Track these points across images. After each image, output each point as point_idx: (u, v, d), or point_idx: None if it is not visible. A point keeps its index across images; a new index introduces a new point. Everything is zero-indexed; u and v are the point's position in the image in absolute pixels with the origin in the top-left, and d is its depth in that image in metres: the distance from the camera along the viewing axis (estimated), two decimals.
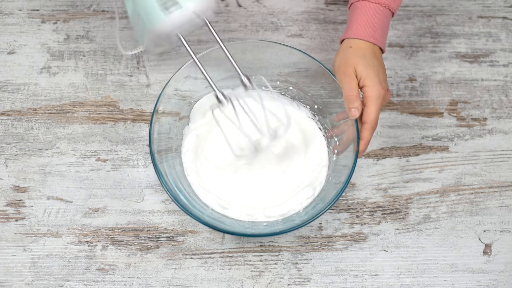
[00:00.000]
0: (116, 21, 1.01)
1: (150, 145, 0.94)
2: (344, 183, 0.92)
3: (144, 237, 1.00)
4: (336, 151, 1.01)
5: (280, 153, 1.02)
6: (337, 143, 1.01)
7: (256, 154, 0.97)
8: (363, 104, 0.94)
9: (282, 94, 1.06)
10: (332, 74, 0.98)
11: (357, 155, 0.93)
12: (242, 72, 0.93)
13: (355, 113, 0.93)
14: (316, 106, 1.04)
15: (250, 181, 1.00)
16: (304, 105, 1.05)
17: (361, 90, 0.94)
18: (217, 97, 0.92)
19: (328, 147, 1.03)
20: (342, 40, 0.98)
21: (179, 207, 0.91)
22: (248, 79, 0.93)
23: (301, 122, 1.04)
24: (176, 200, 0.91)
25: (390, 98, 0.99)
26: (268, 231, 0.94)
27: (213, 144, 1.03)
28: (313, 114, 1.05)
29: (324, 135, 1.04)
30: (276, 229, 0.94)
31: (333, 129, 1.02)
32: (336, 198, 0.91)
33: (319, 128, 1.04)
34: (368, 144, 0.94)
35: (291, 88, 1.05)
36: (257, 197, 0.99)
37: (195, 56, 0.92)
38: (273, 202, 0.99)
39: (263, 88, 1.06)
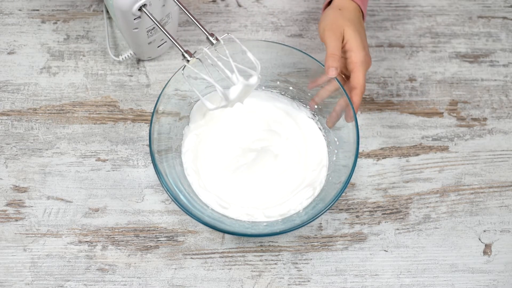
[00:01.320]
0: (106, 25, 1.01)
1: (150, 145, 0.94)
2: (344, 183, 0.92)
3: (144, 237, 1.00)
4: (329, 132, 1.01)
5: (280, 153, 1.02)
6: (334, 137, 1.00)
7: (228, 103, 0.92)
8: (349, 70, 0.95)
9: (282, 94, 1.06)
10: None
11: (357, 155, 0.93)
12: (207, 31, 0.92)
13: (334, 73, 0.93)
14: (316, 106, 1.04)
15: (250, 181, 1.00)
16: (304, 105, 1.05)
17: (344, 54, 0.96)
18: (182, 55, 0.91)
19: (328, 147, 1.03)
20: (329, 2, 0.99)
21: (179, 207, 0.91)
22: (213, 35, 0.92)
23: (301, 122, 1.04)
24: (176, 200, 0.91)
25: (371, 64, 1.00)
26: (268, 231, 0.94)
27: (213, 144, 1.03)
28: (313, 114, 1.05)
29: (324, 135, 1.04)
30: (276, 229, 0.94)
31: (312, 99, 1.02)
32: (336, 198, 0.92)
33: (319, 128, 1.04)
34: (358, 108, 0.95)
35: (291, 88, 1.05)
36: (257, 197, 1.00)
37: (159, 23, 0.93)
38: (273, 202, 0.99)
39: (263, 88, 1.06)
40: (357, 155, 0.93)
